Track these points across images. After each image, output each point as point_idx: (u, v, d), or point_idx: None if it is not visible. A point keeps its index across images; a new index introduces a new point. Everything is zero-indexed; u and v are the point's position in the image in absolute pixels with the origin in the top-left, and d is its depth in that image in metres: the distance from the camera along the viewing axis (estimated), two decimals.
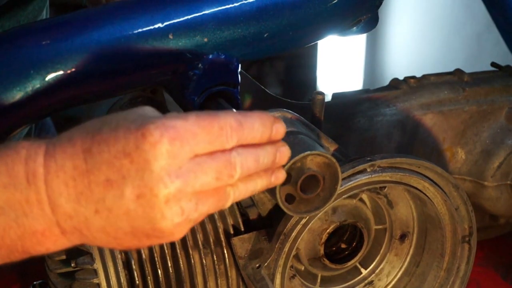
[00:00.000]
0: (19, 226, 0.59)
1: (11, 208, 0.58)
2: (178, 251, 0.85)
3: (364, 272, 0.97)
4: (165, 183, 0.57)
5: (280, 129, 0.64)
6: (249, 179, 0.64)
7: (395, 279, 0.98)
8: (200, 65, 0.77)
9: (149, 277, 0.84)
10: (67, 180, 0.57)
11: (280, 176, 0.68)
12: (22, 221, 0.58)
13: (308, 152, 0.76)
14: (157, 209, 0.57)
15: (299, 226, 0.82)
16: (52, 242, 0.60)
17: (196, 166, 0.58)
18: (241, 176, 0.62)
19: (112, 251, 0.82)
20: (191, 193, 0.58)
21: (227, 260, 0.86)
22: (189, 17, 0.75)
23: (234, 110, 0.74)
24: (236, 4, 0.77)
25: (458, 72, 1.13)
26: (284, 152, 0.66)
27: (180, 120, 0.57)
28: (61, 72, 0.72)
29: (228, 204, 0.63)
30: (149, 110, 0.61)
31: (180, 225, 0.59)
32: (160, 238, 0.60)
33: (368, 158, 0.84)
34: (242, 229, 0.87)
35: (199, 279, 0.86)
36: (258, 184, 0.65)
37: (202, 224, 0.86)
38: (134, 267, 0.84)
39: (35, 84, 0.71)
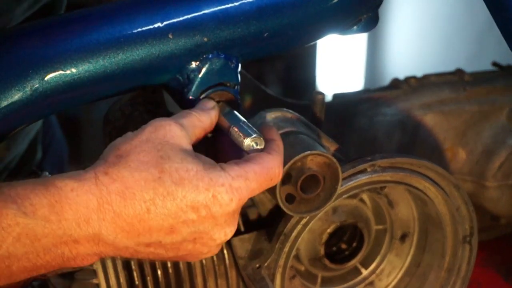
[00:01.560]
0: (59, 256, 0.62)
1: (52, 242, 0.61)
2: None
3: (365, 272, 0.96)
4: (225, 232, 0.66)
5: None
6: None
7: (396, 280, 0.97)
8: (200, 65, 0.76)
9: (148, 278, 0.84)
10: (125, 226, 0.62)
11: None
12: (62, 251, 0.62)
13: (309, 152, 0.76)
14: (208, 247, 0.67)
15: (299, 226, 0.82)
16: (87, 263, 0.65)
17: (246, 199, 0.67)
18: None
19: None
20: None
21: (227, 260, 0.86)
22: (188, 16, 0.75)
23: (237, 113, 0.74)
24: (236, 4, 0.76)
25: (459, 71, 1.13)
26: None
27: (243, 180, 0.65)
28: (60, 72, 0.71)
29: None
30: (183, 139, 0.66)
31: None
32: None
33: (369, 158, 0.84)
34: (242, 229, 0.87)
35: (199, 280, 0.86)
36: None
37: None
38: (133, 267, 0.84)
39: (34, 84, 0.71)
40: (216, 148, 0.76)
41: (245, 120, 0.72)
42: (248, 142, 0.69)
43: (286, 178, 0.76)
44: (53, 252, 0.62)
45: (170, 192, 0.62)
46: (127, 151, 0.64)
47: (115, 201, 0.61)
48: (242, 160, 0.68)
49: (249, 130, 0.70)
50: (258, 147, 0.69)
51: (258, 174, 0.67)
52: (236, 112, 0.74)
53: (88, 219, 0.61)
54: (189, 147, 0.67)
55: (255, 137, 0.69)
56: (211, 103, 0.74)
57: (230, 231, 0.66)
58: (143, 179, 0.62)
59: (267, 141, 0.72)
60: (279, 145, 0.72)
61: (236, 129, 0.70)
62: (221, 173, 0.64)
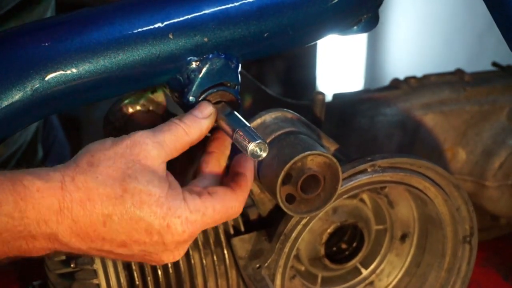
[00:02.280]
0: (16, 248, 0.65)
1: (12, 236, 0.64)
2: None
3: (365, 272, 0.96)
4: (174, 256, 0.69)
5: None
6: None
7: (396, 280, 0.97)
8: (200, 65, 0.76)
9: (149, 278, 0.84)
10: (80, 232, 0.64)
11: None
12: (19, 244, 0.65)
13: (309, 152, 0.76)
14: (158, 262, 0.70)
15: (299, 226, 0.82)
16: (43, 254, 0.67)
17: (198, 231, 0.69)
18: None
19: None
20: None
21: (227, 260, 0.86)
22: (189, 16, 0.75)
23: (239, 115, 0.74)
24: (236, 4, 0.76)
25: (459, 72, 1.13)
26: None
27: (200, 215, 0.67)
28: (60, 72, 0.71)
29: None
30: (155, 159, 0.67)
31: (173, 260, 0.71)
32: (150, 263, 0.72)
33: (369, 158, 0.84)
34: (243, 230, 0.87)
35: (199, 280, 0.86)
36: None
37: None
38: (134, 267, 0.84)
39: (34, 84, 0.71)
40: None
41: (249, 125, 0.72)
42: (252, 147, 0.68)
43: (286, 178, 0.76)
44: (11, 244, 0.64)
45: (128, 212, 0.64)
46: (99, 161, 0.66)
47: (75, 209, 0.64)
48: (205, 191, 0.69)
49: (254, 135, 0.69)
50: (262, 153, 0.69)
51: (217, 212, 0.68)
52: (238, 115, 0.74)
53: (48, 221, 0.63)
54: (161, 167, 0.68)
55: (259, 142, 0.69)
56: (209, 110, 0.73)
57: (178, 254, 0.69)
58: (105, 195, 0.64)
59: (236, 175, 0.73)
60: (247, 181, 0.73)
61: (241, 133, 0.70)
62: (181, 204, 0.66)
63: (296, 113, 0.86)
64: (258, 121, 0.84)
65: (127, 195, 0.64)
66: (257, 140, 0.69)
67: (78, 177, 0.64)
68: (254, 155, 0.69)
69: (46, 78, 0.71)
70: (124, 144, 0.67)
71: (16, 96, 0.70)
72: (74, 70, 0.72)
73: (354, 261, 0.94)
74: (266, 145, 0.69)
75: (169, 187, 0.67)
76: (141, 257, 0.69)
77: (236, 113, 0.74)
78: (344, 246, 0.95)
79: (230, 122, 0.73)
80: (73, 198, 0.63)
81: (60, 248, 0.66)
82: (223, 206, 0.69)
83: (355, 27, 0.87)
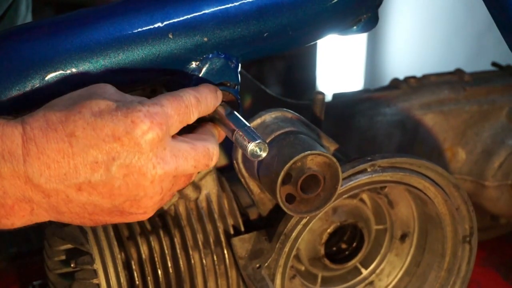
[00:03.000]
0: None
1: None
2: (178, 251, 0.84)
3: (365, 272, 0.97)
4: (153, 164, 0.64)
5: (220, 96, 0.75)
6: None
7: (396, 279, 0.97)
8: (200, 64, 0.77)
9: (149, 277, 0.84)
10: (50, 163, 0.62)
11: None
12: None
13: (309, 152, 0.76)
14: (142, 187, 0.64)
15: (299, 226, 0.82)
16: (19, 218, 0.64)
17: (178, 153, 0.65)
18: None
19: (112, 252, 0.81)
20: (172, 176, 0.65)
21: (227, 260, 0.86)
22: (188, 16, 0.75)
23: (239, 115, 0.74)
24: (236, 4, 0.76)
25: (458, 72, 1.14)
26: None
27: (159, 106, 0.65)
28: (60, 72, 0.71)
29: (190, 182, 0.72)
30: (112, 91, 0.66)
31: (155, 204, 0.66)
32: (133, 216, 0.67)
33: (369, 158, 0.84)
34: (242, 229, 0.87)
35: (199, 279, 0.86)
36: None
37: (202, 224, 0.86)
38: (134, 267, 0.84)
39: (34, 84, 0.71)
40: None
41: (249, 125, 0.72)
42: (252, 147, 0.68)
43: (286, 178, 0.77)
44: None
45: (89, 123, 0.62)
46: (57, 100, 0.65)
47: (38, 136, 0.61)
48: None
49: (253, 135, 0.69)
50: (262, 153, 0.69)
51: (171, 101, 0.67)
52: (238, 115, 0.74)
53: (13, 152, 0.61)
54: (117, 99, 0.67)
55: (259, 142, 0.68)
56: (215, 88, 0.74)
57: (158, 163, 0.64)
58: (64, 115, 0.62)
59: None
60: (200, 87, 0.72)
61: (241, 133, 0.70)
62: (138, 103, 0.65)
63: (296, 113, 0.86)
64: (258, 121, 0.84)
65: (85, 109, 0.63)
66: (257, 140, 0.69)
67: (35, 112, 0.63)
68: (254, 155, 0.69)
69: (46, 78, 0.71)
70: (82, 88, 0.67)
71: (17, 96, 0.70)
72: (74, 70, 0.72)
73: (354, 261, 0.94)
74: (266, 145, 0.69)
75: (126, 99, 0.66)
76: (123, 180, 0.63)
77: (236, 113, 0.74)
78: (344, 246, 0.95)
79: (230, 122, 0.73)
80: (33, 127, 0.62)
81: (36, 198, 0.62)
82: (174, 95, 0.68)
83: (354, 27, 0.87)
